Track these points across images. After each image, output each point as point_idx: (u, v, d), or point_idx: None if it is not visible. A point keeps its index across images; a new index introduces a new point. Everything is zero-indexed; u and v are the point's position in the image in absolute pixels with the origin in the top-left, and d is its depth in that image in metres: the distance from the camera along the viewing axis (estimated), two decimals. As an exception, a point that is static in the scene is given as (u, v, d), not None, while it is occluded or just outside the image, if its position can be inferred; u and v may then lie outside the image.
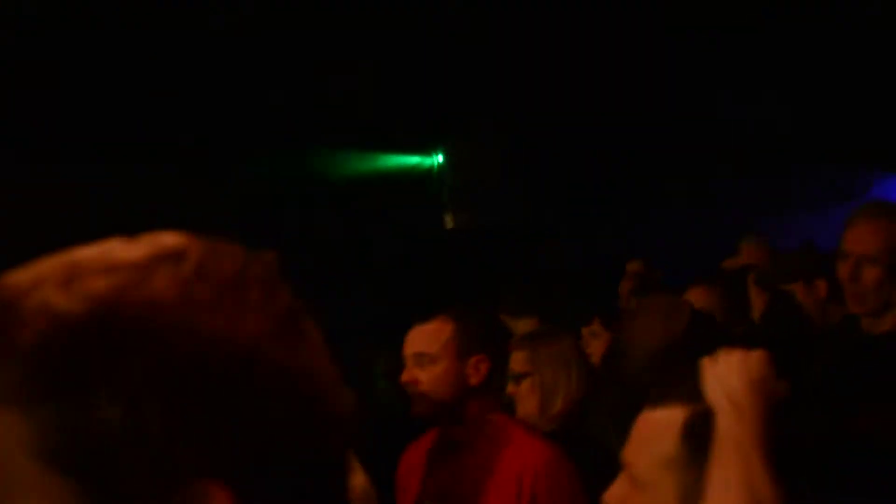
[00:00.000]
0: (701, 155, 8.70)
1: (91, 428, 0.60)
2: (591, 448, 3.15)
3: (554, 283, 5.78)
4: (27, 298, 0.63)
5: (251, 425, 0.63)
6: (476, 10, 6.91)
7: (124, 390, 0.61)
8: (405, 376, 2.81)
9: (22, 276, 0.66)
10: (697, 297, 3.93)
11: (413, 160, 8.01)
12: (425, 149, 8.03)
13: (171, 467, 0.61)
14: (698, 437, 1.59)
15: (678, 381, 1.71)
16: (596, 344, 4.35)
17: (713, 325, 3.04)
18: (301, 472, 0.66)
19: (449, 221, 7.88)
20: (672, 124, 8.41)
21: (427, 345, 2.79)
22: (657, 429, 1.64)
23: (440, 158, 8.01)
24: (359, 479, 2.80)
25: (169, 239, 0.69)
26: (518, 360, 3.50)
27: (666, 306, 2.78)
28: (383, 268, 7.05)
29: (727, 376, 1.62)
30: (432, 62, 7.10)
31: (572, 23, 7.11)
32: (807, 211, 8.91)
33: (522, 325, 4.69)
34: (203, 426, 0.62)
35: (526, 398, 3.47)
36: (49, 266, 0.66)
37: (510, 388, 3.52)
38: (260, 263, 0.69)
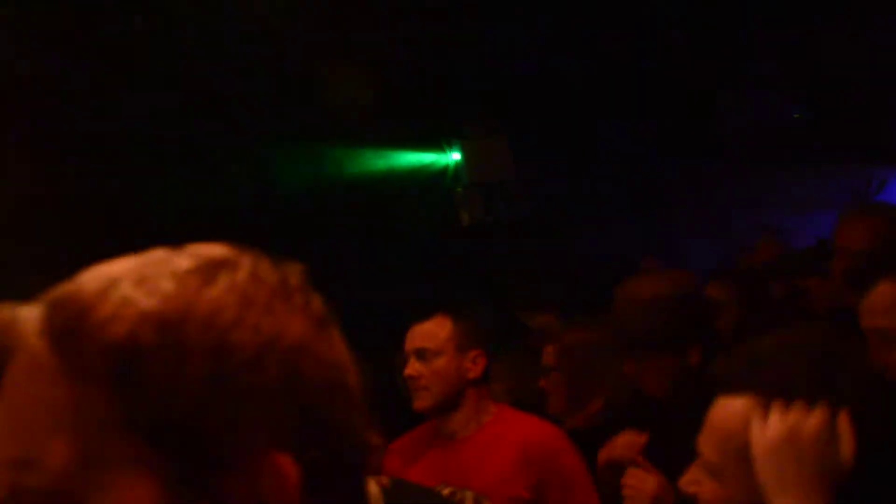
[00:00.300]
0: (715, 153, 8.68)
1: (178, 406, 0.70)
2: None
3: (569, 280, 5.79)
4: (108, 296, 0.72)
5: (306, 408, 0.74)
6: (491, 7, 6.92)
7: (205, 375, 0.70)
8: (408, 370, 2.96)
9: (89, 281, 0.74)
10: (715, 292, 3.95)
11: (428, 157, 8.02)
12: (440, 146, 8.04)
13: (248, 441, 0.71)
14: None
15: (752, 368, 1.63)
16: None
17: (714, 309, 3.04)
18: (345, 449, 0.78)
19: (465, 218, 7.89)
20: (686, 122, 8.41)
21: (428, 340, 2.96)
22: (729, 418, 1.57)
23: (455, 155, 8.01)
24: (373, 487, 2.84)
25: (215, 250, 0.79)
26: (549, 354, 3.53)
27: (669, 273, 2.83)
28: (399, 265, 7.07)
29: (777, 471, 1.46)
30: (447, 59, 7.12)
31: (586, 21, 7.11)
32: (822, 209, 8.88)
33: (539, 321, 4.71)
34: (270, 408, 0.72)
35: (555, 392, 3.50)
36: (114, 270, 0.75)
37: (542, 381, 3.56)
38: (295, 273, 0.80)
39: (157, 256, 0.78)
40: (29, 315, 0.74)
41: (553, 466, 2.84)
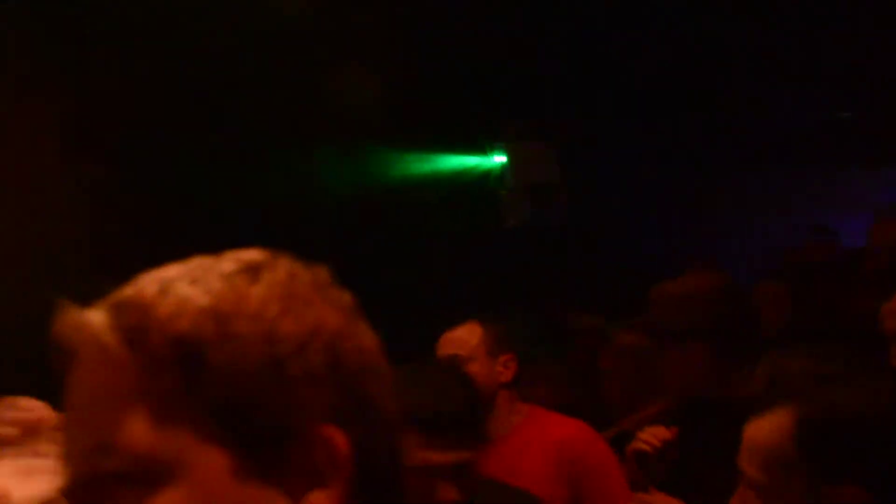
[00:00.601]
0: (764, 154, 8.61)
1: (238, 388, 0.79)
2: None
3: (616, 282, 5.77)
4: (168, 296, 0.81)
5: (348, 388, 0.83)
6: (533, 11, 6.92)
7: (259, 361, 0.80)
8: None
9: (147, 285, 0.83)
10: (765, 291, 3.93)
11: (473, 161, 8.03)
12: (485, 149, 8.04)
13: (302, 416, 0.80)
14: (813, 438, 1.50)
15: (782, 384, 1.62)
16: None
17: (748, 305, 3.03)
18: (383, 425, 0.86)
19: (509, 221, 7.89)
20: (732, 123, 8.34)
21: (460, 347, 3.08)
22: (767, 434, 1.55)
23: (500, 159, 8.01)
24: None
25: (252, 254, 0.87)
26: (607, 357, 3.59)
27: (706, 274, 2.87)
28: (443, 268, 7.08)
29: None
30: (492, 62, 7.12)
31: (629, 22, 7.09)
32: (872, 211, 8.76)
33: (586, 324, 4.71)
34: (318, 388, 0.81)
35: (611, 394, 3.55)
36: (166, 275, 0.84)
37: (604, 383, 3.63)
38: (323, 271, 0.89)
39: (202, 262, 0.86)
40: (95, 317, 0.82)
41: (585, 461, 2.93)
